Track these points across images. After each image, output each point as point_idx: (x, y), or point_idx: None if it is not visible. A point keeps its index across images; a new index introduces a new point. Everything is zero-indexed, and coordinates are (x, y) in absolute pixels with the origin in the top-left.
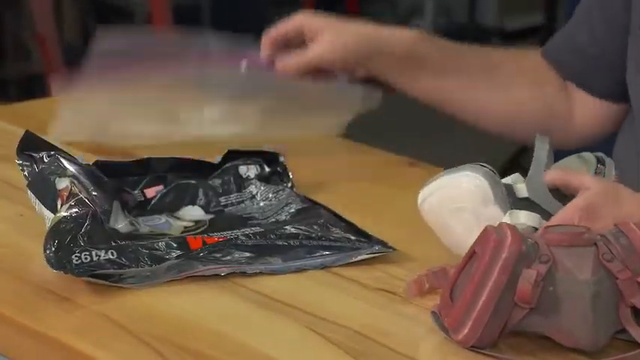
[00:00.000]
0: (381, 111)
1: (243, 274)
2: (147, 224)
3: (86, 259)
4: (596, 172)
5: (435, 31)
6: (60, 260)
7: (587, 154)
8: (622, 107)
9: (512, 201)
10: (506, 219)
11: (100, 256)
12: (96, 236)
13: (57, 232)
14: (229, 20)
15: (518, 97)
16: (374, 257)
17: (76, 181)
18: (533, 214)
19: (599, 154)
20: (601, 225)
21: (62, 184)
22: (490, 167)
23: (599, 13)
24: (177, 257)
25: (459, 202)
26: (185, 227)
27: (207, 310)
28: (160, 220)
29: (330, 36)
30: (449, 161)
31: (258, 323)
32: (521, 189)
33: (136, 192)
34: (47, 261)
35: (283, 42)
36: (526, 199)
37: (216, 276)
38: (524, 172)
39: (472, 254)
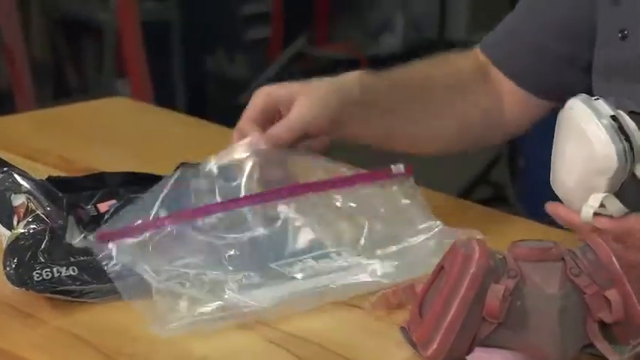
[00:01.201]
0: None
1: None
2: None
3: (47, 275)
4: None
5: (405, 47)
6: (21, 277)
7: None
8: (550, 104)
9: (628, 177)
10: (597, 198)
11: (61, 272)
12: (55, 252)
13: (16, 248)
14: (199, 37)
15: (454, 119)
16: None
17: (31, 197)
18: (624, 208)
19: None
20: None
21: (18, 200)
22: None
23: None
24: None
25: (585, 144)
26: None
27: None
28: None
29: (305, 97)
30: (416, 174)
31: (222, 338)
32: None
33: (89, 207)
34: (8, 278)
35: (262, 120)
36: None
37: None
38: (494, 188)
39: (440, 269)
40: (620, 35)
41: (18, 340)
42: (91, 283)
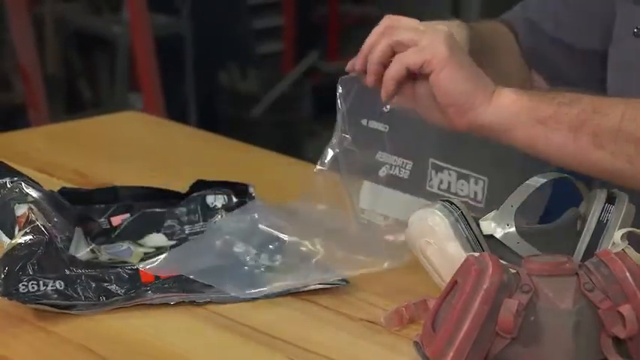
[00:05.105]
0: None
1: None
2: (108, 252)
3: (33, 288)
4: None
5: None
6: (7, 287)
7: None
8: None
9: (475, 238)
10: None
11: (47, 285)
12: (47, 265)
13: (8, 258)
14: (211, 51)
15: (510, 71)
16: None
17: (35, 208)
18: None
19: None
20: None
21: (21, 210)
22: (459, 204)
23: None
24: (127, 291)
25: (426, 237)
26: (145, 253)
27: (176, 336)
28: (122, 247)
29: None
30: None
31: (238, 353)
32: (487, 226)
33: (101, 220)
34: None
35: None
36: (491, 236)
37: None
38: None
39: (454, 284)
40: (634, 32)
41: (16, 347)
42: (75, 298)
